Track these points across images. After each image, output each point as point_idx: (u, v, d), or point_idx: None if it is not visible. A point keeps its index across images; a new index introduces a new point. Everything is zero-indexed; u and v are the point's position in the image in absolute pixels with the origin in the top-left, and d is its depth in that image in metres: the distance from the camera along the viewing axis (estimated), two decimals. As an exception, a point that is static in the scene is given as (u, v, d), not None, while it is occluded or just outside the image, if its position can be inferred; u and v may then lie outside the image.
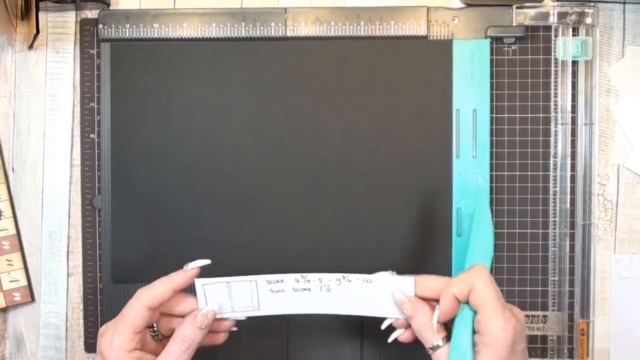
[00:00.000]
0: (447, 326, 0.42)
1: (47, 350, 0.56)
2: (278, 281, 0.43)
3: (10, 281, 0.55)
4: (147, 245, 0.53)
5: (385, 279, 0.42)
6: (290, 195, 0.53)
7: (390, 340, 0.44)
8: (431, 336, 0.41)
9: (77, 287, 0.56)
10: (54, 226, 0.55)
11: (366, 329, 0.54)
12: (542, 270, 0.54)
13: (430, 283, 0.42)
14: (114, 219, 0.53)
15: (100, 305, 0.55)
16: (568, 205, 0.53)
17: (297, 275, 0.43)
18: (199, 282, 0.43)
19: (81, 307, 0.55)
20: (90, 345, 0.55)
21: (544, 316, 0.54)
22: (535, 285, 0.54)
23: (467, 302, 0.40)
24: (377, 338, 0.53)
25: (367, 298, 0.43)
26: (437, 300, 0.41)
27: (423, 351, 0.42)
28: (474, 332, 0.40)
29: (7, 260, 0.55)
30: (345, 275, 0.43)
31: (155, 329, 0.45)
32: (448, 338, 0.41)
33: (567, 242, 0.53)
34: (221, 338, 0.46)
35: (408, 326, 0.43)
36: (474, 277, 0.39)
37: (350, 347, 0.54)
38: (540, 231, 0.54)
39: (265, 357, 0.54)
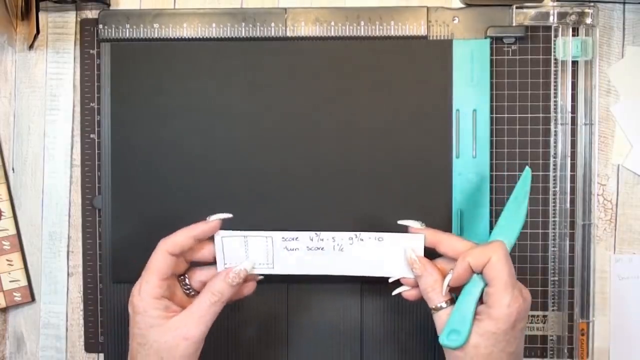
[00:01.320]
0: (451, 293, 0.44)
1: (47, 350, 0.56)
2: (293, 239, 0.45)
3: (10, 281, 0.55)
4: (147, 245, 0.53)
5: (396, 237, 0.44)
6: (290, 195, 0.53)
7: (394, 293, 0.46)
8: (436, 297, 0.43)
9: (77, 287, 0.56)
10: (54, 226, 0.55)
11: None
12: (542, 270, 0.54)
13: (456, 245, 0.43)
14: (114, 219, 0.53)
15: (100, 305, 0.55)
16: (568, 205, 0.53)
17: (312, 234, 0.44)
18: (218, 235, 0.45)
19: (81, 307, 0.55)
20: (90, 345, 0.55)
21: (544, 316, 0.54)
22: (535, 285, 0.54)
23: (480, 273, 0.41)
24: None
25: (378, 258, 0.45)
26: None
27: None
28: (479, 302, 0.42)
29: (7, 260, 0.55)
30: (358, 233, 0.44)
31: (187, 283, 0.46)
32: (452, 302, 0.43)
33: (567, 242, 0.53)
34: (247, 289, 0.47)
35: (415, 285, 0.45)
36: (491, 252, 0.41)
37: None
38: (540, 231, 0.54)
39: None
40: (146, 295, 0.43)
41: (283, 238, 0.44)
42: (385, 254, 0.44)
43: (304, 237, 0.44)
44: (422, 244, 0.44)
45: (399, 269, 0.45)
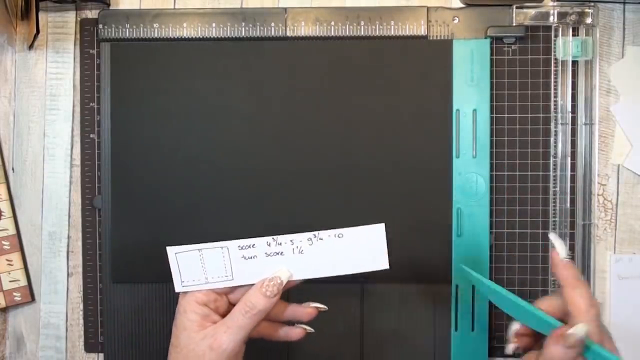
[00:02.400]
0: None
1: (47, 350, 0.56)
2: (250, 246, 0.42)
3: (10, 281, 0.55)
4: (147, 245, 0.53)
5: (356, 231, 0.42)
6: (290, 194, 0.53)
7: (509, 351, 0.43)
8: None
9: (77, 287, 0.56)
10: (54, 226, 0.55)
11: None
12: (542, 270, 0.54)
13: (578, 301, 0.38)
14: (114, 219, 0.53)
15: (100, 305, 0.55)
16: (568, 205, 0.53)
17: (268, 239, 0.42)
18: (172, 251, 0.43)
19: (81, 307, 0.55)
20: (90, 345, 0.55)
21: (544, 316, 0.54)
22: (535, 285, 0.54)
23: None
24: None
25: (340, 256, 0.42)
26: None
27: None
28: None
29: (7, 260, 0.55)
30: (316, 233, 0.42)
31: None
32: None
33: (567, 242, 0.53)
34: (295, 334, 0.45)
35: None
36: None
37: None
38: (540, 231, 0.54)
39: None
40: (191, 296, 0.42)
41: (239, 247, 0.42)
42: (347, 251, 0.42)
43: (261, 243, 0.42)
44: (382, 231, 0.42)
45: (363, 264, 0.43)
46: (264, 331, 0.45)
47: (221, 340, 0.41)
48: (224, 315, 0.43)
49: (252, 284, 0.43)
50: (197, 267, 0.43)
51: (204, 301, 0.42)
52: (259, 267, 0.42)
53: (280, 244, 0.42)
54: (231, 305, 0.44)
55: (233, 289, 0.44)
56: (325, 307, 0.45)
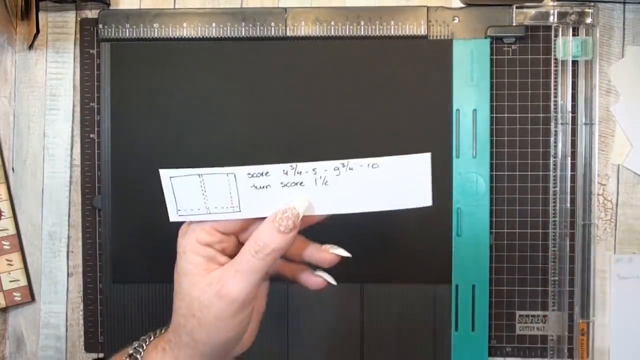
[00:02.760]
0: None
1: (47, 350, 0.56)
2: (262, 174, 0.35)
3: (10, 281, 0.55)
4: (147, 245, 0.53)
5: (394, 160, 0.35)
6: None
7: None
8: None
9: (77, 287, 0.56)
10: (54, 226, 0.55)
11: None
12: (542, 270, 0.54)
13: None
14: (114, 219, 0.53)
15: (100, 305, 0.55)
16: (568, 205, 0.53)
17: (285, 166, 0.35)
18: (165, 174, 0.36)
19: (81, 307, 0.55)
20: (90, 345, 0.55)
21: (544, 316, 0.54)
22: (535, 285, 0.54)
23: None
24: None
25: (373, 189, 0.35)
26: None
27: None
28: None
29: (7, 260, 0.55)
30: (345, 161, 0.35)
31: None
32: None
33: (567, 242, 0.53)
34: (316, 283, 0.39)
35: None
36: None
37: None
38: (540, 231, 0.54)
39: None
40: (192, 235, 0.36)
41: (249, 174, 0.35)
42: (381, 184, 0.35)
43: (276, 171, 0.35)
44: (428, 169, 0.35)
45: (402, 200, 0.35)
46: (281, 270, 0.39)
47: (229, 287, 0.34)
48: (232, 257, 0.36)
49: (265, 218, 0.35)
50: (196, 194, 0.36)
51: (207, 241, 0.36)
52: (272, 198, 0.35)
53: (300, 172, 0.35)
54: (241, 245, 0.36)
55: (243, 227, 0.37)
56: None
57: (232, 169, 0.35)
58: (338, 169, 0.35)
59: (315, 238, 0.38)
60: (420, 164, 0.35)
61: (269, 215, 0.35)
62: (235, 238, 0.37)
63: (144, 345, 0.38)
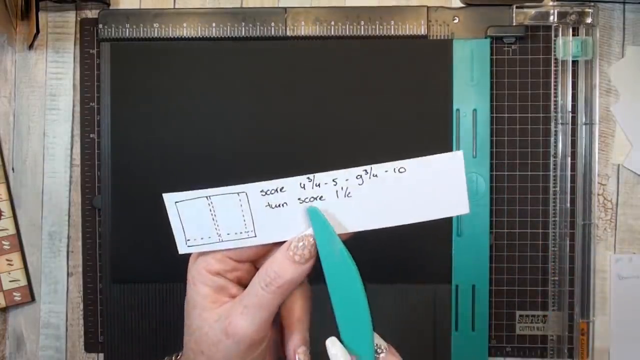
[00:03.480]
0: None
1: (47, 350, 0.56)
2: (276, 190, 0.31)
3: (10, 281, 0.55)
4: (147, 245, 0.53)
5: (423, 161, 0.31)
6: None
7: None
8: None
9: (77, 287, 0.56)
10: (54, 226, 0.55)
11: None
12: (542, 270, 0.54)
13: None
14: (114, 219, 0.53)
15: (100, 305, 0.55)
16: (568, 205, 0.53)
17: (302, 178, 0.31)
18: (170, 199, 0.32)
19: (81, 307, 0.55)
20: (90, 345, 0.55)
21: (544, 316, 0.54)
22: (535, 285, 0.54)
23: None
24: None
25: (403, 198, 0.31)
26: None
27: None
28: None
29: (7, 260, 0.55)
30: (368, 167, 0.31)
31: None
32: None
33: (567, 242, 0.53)
34: None
35: None
36: None
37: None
38: (540, 231, 0.54)
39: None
40: (202, 264, 0.32)
41: (262, 191, 0.31)
42: (411, 191, 0.31)
43: (292, 186, 0.31)
44: (461, 168, 0.31)
45: (432, 210, 0.32)
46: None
47: (237, 324, 0.31)
48: (245, 284, 0.33)
49: (283, 242, 0.32)
50: (206, 220, 0.32)
51: (218, 270, 0.32)
52: (290, 218, 0.32)
53: (319, 184, 0.31)
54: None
55: (259, 253, 0.33)
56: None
57: (243, 187, 0.32)
58: (361, 177, 0.31)
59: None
60: (452, 163, 0.31)
61: (282, 247, 0.32)
62: (251, 265, 0.33)
63: None
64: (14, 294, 0.55)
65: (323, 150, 0.53)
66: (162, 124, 0.53)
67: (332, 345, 0.32)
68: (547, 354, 0.54)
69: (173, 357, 0.36)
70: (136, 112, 0.53)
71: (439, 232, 0.53)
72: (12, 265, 0.55)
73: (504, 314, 0.54)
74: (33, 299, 0.56)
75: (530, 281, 0.54)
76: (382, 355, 0.33)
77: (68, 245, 0.56)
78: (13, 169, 0.56)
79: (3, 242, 0.55)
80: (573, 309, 0.53)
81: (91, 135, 0.55)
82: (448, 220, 0.52)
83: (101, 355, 0.55)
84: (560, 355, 0.53)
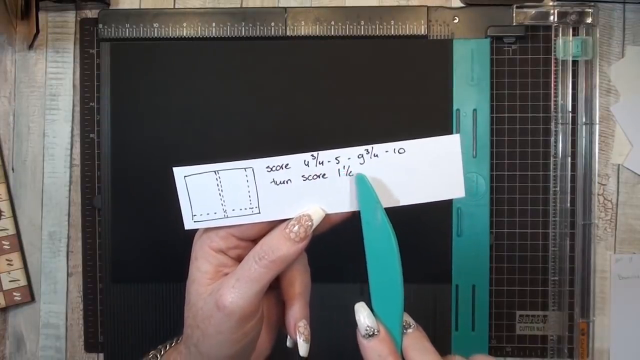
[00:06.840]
0: None
1: (47, 350, 0.56)
2: (282, 166, 0.32)
3: (10, 281, 0.55)
4: (147, 245, 0.53)
5: (422, 143, 0.33)
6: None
7: None
8: None
9: (77, 287, 0.56)
10: (54, 226, 0.55)
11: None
12: (542, 270, 0.54)
13: None
14: (114, 219, 0.53)
15: (100, 305, 0.55)
16: (568, 205, 0.53)
17: (306, 156, 0.32)
18: (179, 173, 0.34)
19: (81, 307, 0.55)
20: (90, 345, 0.55)
21: (544, 316, 0.54)
22: (535, 285, 0.54)
23: None
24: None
25: (401, 178, 0.33)
26: None
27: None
28: None
29: (7, 260, 0.55)
30: (370, 147, 0.33)
31: None
32: None
33: (567, 242, 0.53)
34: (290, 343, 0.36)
35: None
36: None
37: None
38: (540, 231, 0.54)
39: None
40: (207, 240, 0.33)
41: (268, 167, 0.32)
42: (409, 172, 0.33)
43: (297, 162, 0.32)
44: (458, 151, 0.33)
45: (428, 192, 0.33)
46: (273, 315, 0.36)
47: (227, 296, 0.31)
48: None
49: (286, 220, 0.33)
50: (213, 195, 0.33)
51: (221, 247, 0.33)
52: (293, 195, 0.33)
53: (322, 162, 0.33)
54: None
55: (260, 232, 0.33)
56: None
57: (250, 163, 0.32)
58: (362, 156, 0.33)
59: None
60: (449, 145, 0.33)
61: (280, 226, 0.33)
62: (252, 244, 0.34)
63: (158, 356, 0.37)
64: (14, 294, 0.55)
65: (323, 150, 0.53)
66: (162, 123, 0.53)
67: (362, 309, 0.33)
68: (547, 354, 0.54)
69: (174, 341, 0.38)
70: (136, 112, 0.53)
71: (439, 232, 0.53)
72: (12, 265, 0.55)
73: (504, 314, 0.54)
74: (33, 299, 0.56)
75: (530, 281, 0.54)
76: (409, 330, 0.34)
77: (68, 245, 0.56)
78: (13, 169, 0.56)
79: (3, 242, 0.55)
80: (573, 309, 0.53)
81: (91, 135, 0.55)
82: (448, 220, 0.52)
83: (101, 355, 0.55)
84: (560, 355, 0.53)
